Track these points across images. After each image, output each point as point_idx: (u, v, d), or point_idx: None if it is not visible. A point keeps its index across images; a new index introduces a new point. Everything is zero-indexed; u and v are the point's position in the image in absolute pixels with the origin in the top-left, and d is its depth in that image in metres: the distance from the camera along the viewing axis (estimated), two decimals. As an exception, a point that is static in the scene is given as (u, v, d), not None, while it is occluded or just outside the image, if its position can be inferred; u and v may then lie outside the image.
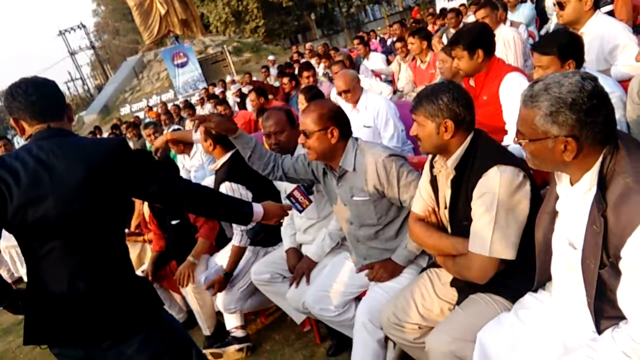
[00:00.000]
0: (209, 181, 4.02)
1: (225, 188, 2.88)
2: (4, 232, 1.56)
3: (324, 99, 2.46)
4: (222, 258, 3.14)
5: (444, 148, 1.81)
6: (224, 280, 2.95)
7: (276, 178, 2.47)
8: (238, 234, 2.90)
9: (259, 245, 3.01)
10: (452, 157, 1.81)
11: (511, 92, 2.52)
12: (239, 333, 3.08)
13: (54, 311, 1.56)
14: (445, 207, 1.89)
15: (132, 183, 1.63)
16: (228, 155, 3.06)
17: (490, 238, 1.67)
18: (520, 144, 1.43)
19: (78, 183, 1.53)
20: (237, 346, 3.03)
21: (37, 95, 1.61)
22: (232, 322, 3.10)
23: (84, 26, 40.59)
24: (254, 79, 10.29)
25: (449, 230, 1.92)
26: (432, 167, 1.95)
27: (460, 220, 1.83)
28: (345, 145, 2.22)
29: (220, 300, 2.98)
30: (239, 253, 2.96)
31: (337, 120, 2.18)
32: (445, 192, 1.87)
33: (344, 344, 2.60)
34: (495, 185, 1.65)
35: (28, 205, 1.51)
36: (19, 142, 13.90)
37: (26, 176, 1.52)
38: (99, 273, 1.59)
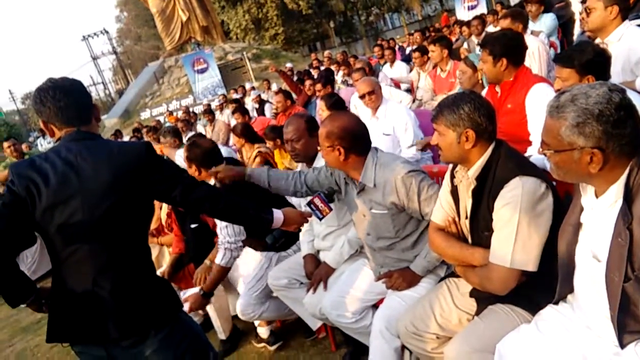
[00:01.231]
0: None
1: None
2: None
3: (342, 112, 2.45)
4: (245, 261, 3.14)
5: (465, 158, 1.80)
6: (201, 300, 2.75)
7: (303, 195, 2.50)
8: (221, 252, 2.78)
9: (280, 251, 3.00)
10: (473, 167, 1.80)
11: (538, 102, 2.50)
12: (264, 331, 3.13)
13: (77, 310, 1.59)
14: (466, 217, 1.88)
15: (156, 186, 1.66)
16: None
17: (512, 249, 1.65)
18: (545, 154, 1.42)
19: (105, 185, 1.56)
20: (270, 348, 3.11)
21: (65, 102, 1.64)
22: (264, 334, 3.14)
23: (106, 32, 41.37)
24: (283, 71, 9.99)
25: (470, 240, 1.90)
26: (453, 177, 1.94)
27: (481, 231, 1.82)
28: (362, 159, 2.22)
29: (238, 306, 2.99)
30: (222, 272, 2.80)
31: (346, 140, 2.15)
32: (467, 202, 1.86)
33: (359, 351, 2.60)
34: (517, 196, 1.64)
35: (56, 206, 1.55)
36: (42, 144, 14.17)
37: (55, 177, 1.56)
38: (123, 273, 1.62)
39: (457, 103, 1.75)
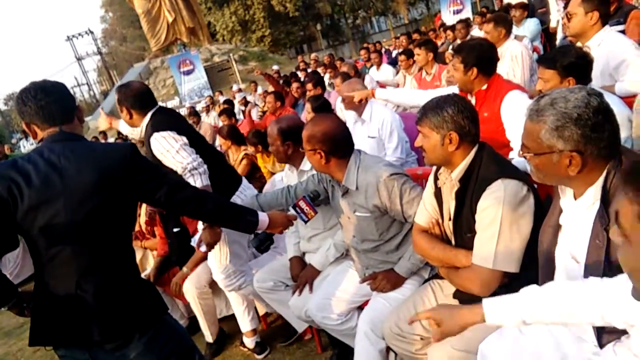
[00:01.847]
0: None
1: (156, 139, 2.51)
2: None
3: (325, 115, 2.47)
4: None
5: (449, 160, 1.83)
6: (212, 231, 2.47)
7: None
8: (191, 178, 2.47)
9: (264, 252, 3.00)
10: (456, 169, 1.82)
11: (513, 109, 2.54)
12: (250, 342, 3.11)
13: (60, 312, 1.58)
14: (450, 219, 1.90)
15: (141, 187, 1.65)
16: (147, 117, 2.68)
17: (494, 250, 1.68)
18: (525, 157, 1.45)
19: (88, 186, 1.55)
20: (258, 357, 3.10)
21: (47, 100, 1.64)
22: (246, 325, 3.10)
23: (91, 32, 40.94)
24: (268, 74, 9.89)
25: (453, 242, 1.92)
26: (436, 179, 1.96)
27: (464, 233, 1.84)
28: (345, 162, 2.23)
29: (217, 273, 2.92)
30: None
31: (326, 144, 2.17)
32: (450, 204, 1.89)
33: (345, 353, 2.60)
34: (499, 197, 1.66)
35: (38, 208, 1.53)
36: (24, 146, 13.98)
37: (37, 178, 1.54)
38: (106, 276, 1.60)
39: (441, 105, 1.77)
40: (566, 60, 2.19)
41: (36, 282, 1.64)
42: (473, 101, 2.75)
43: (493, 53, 2.76)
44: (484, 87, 2.68)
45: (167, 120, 2.63)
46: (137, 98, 2.69)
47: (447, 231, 1.95)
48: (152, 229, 3.85)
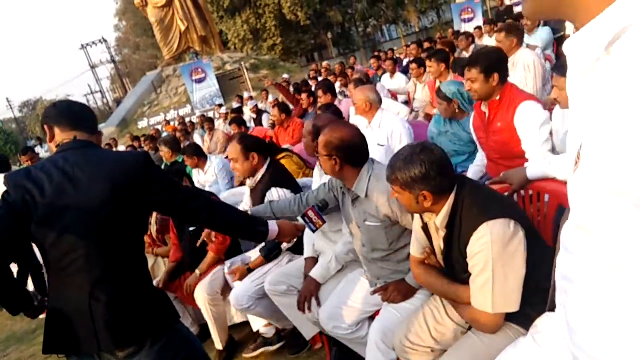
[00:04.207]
0: (225, 196, 4.08)
1: (276, 193, 2.85)
2: None
3: (343, 122, 2.53)
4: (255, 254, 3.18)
5: (428, 211, 1.80)
6: (245, 272, 3.02)
7: None
8: None
9: (272, 261, 3.03)
10: (439, 216, 1.79)
11: (527, 121, 2.52)
12: (269, 331, 3.15)
13: (73, 321, 1.59)
14: (442, 254, 1.88)
15: (154, 197, 1.66)
16: (265, 166, 3.03)
17: (491, 296, 1.65)
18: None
19: (102, 195, 1.57)
20: (274, 347, 3.13)
21: (79, 108, 1.81)
22: (258, 322, 3.12)
23: (105, 41, 41.56)
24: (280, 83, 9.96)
25: (449, 276, 1.91)
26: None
27: (458, 272, 1.82)
28: (357, 171, 2.23)
29: (234, 295, 2.98)
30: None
31: (343, 151, 2.18)
32: (440, 243, 1.86)
33: (345, 350, 2.64)
34: (487, 243, 1.63)
35: (52, 217, 1.55)
36: (39, 152, 14.20)
37: (51, 188, 1.56)
38: (120, 285, 1.62)
39: (408, 167, 1.71)
40: None
41: (50, 290, 1.66)
42: (487, 111, 2.75)
43: (505, 58, 2.75)
44: (497, 97, 2.66)
45: (282, 178, 2.99)
46: (263, 148, 3.06)
47: (442, 263, 1.93)
48: (162, 237, 3.88)
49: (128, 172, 1.63)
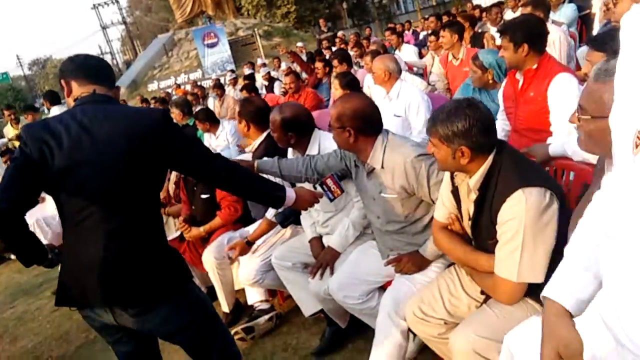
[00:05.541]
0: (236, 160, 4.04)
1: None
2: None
3: (355, 93, 2.44)
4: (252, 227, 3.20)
5: (464, 169, 1.75)
6: (245, 246, 3.01)
7: (313, 182, 2.47)
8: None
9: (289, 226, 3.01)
10: (473, 177, 1.74)
11: (560, 92, 2.46)
12: (264, 305, 3.12)
13: (86, 275, 1.58)
14: (469, 219, 1.84)
15: (172, 155, 1.63)
16: (263, 135, 3.07)
17: (518, 264, 1.61)
18: (578, 121, 1.34)
19: (119, 150, 1.54)
20: (266, 316, 3.08)
21: (96, 62, 1.77)
22: (255, 296, 3.12)
23: (117, 1, 41.01)
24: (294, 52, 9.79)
25: (474, 242, 1.87)
26: (453, 175, 1.88)
27: (484, 239, 1.78)
28: (372, 141, 2.18)
29: (242, 271, 3.01)
30: (268, 226, 2.99)
31: (356, 122, 2.13)
32: (469, 207, 1.81)
33: (340, 330, 2.75)
34: (521, 210, 1.57)
35: (69, 170, 1.53)
36: (46, 114, 14.13)
37: (68, 140, 1.53)
38: (134, 241, 1.60)
39: (451, 119, 1.65)
40: (616, 44, 2.10)
41: (64, 243, 1.65)
42: (521, 80, 2.68)
43: (543, 28, 2.65)
44: (534, 66, 2.59)
45: (278, 151, 2.85)
46: (257, 114, 3.08)
47: (468, 230, 1.89)
48: (181, 191, 3.87)
49: (148, 129, 1.58)
